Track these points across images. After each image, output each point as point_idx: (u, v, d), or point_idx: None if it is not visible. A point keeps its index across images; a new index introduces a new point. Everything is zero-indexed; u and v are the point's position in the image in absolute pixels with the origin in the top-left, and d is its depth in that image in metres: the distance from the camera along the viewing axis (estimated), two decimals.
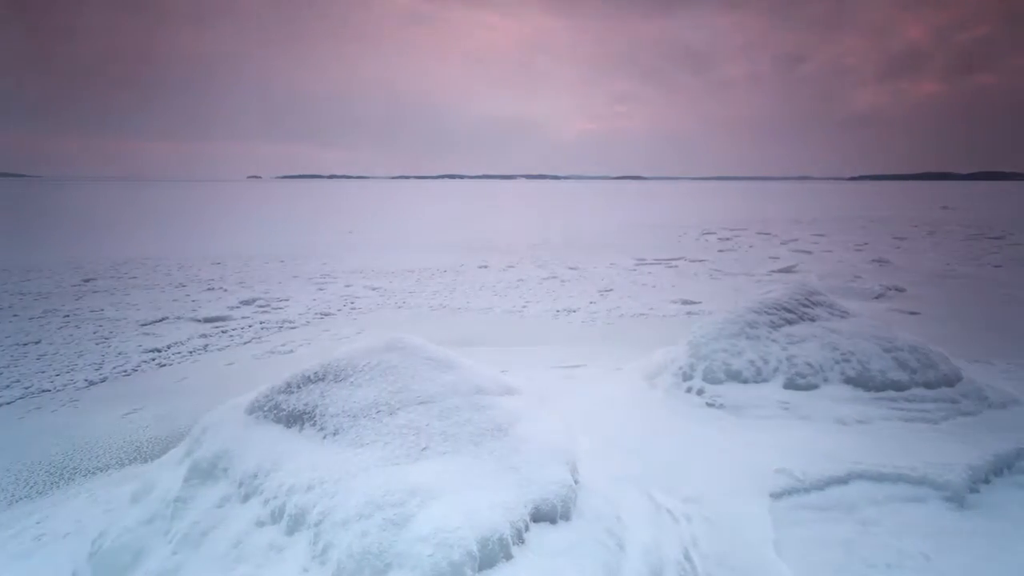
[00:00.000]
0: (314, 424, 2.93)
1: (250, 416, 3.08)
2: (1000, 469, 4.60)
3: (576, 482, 3.03)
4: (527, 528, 2.61)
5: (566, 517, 2.78)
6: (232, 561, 2.42)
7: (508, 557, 2.44)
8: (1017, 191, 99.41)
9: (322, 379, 3.17)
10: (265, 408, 3.09)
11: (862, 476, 4.45)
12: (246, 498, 2.67)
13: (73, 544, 3.17)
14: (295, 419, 2.99)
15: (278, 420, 3.02)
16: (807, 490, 4.33)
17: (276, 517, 2.52)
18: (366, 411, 2.94)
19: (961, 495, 4.26)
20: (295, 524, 2.45)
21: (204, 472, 2.85)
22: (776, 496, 4.24)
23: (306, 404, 3.03)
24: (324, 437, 2.86)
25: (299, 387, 3.15)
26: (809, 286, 7.11)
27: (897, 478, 4.41)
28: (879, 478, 4.43)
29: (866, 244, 22.06)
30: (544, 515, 2.71)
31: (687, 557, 3.19)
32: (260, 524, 2.55)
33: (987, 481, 4.48)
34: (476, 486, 2.65)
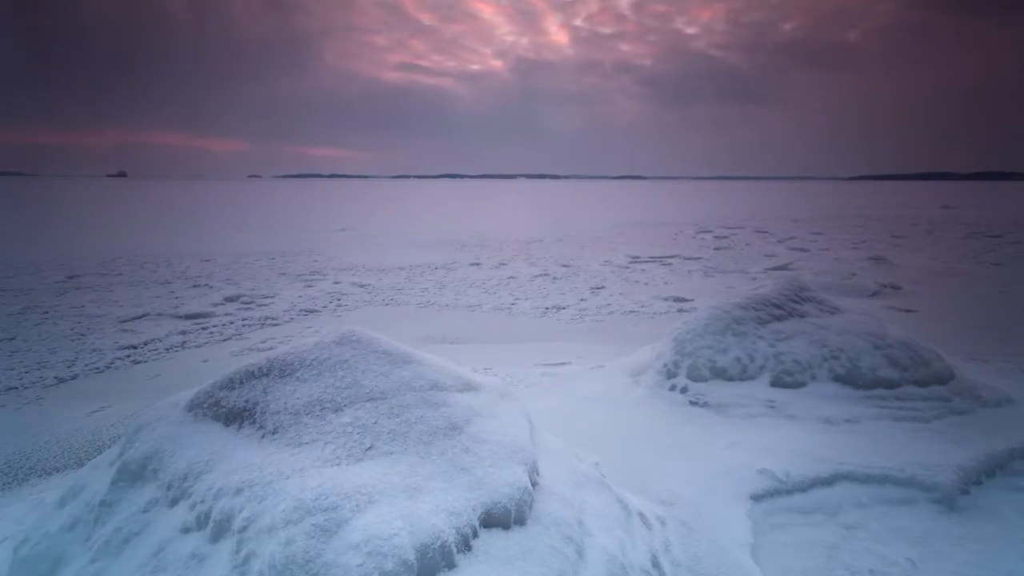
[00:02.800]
0: (253, 422, 2.74)
1: (188, 413, 2.89)
2: (992, 470, 4.40)
3: (535, 484, 2.84)
4: (475, 534, 2.42)
5: (521, 522, 2.59)
6: (150, 571, 2.23)
7: (451, 566, 2.25)
8: (1018, 191, 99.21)
9: (266, 374, 2.98)
10: (205, 405, 2.90)
11: (848, 477, 4.26)
12: (174, 502, 2.48)
13: (5, 551, 2.98)
14: (234, 417, 2.80)
15: (217, 418, 2.83)
16: (790, 492, 4.14)
17: (202, 523, 2.33)
18: (309, 408, 2.75)
19: (951, 497, 4.07)
20: (220, 531, 2.26)
21: (133, 474, 2.65)
22: (757, 498, 4.05)
23: (247, 401, 2.83)
24: (263, 436, 2.66)
25: (241, 383, 2.95)
26: (799, 282, 6.92)
27: (884, 479, 4.22)
28: (865, 480, 4.24)
29: (863, 242, 21.87)
30: (496, 520, 2.52)
31: (655, 564, 3.00)
32: (185, 530, 2.36)
33: (979, 483, 4.29)
34: (421, 489, 2.46)
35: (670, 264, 16.60)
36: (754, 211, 41.23)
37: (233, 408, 2.83)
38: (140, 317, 9.85)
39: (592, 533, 2.83)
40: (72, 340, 8.45)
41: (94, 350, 7.98)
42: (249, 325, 9.52)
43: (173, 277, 13.82)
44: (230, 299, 11.40)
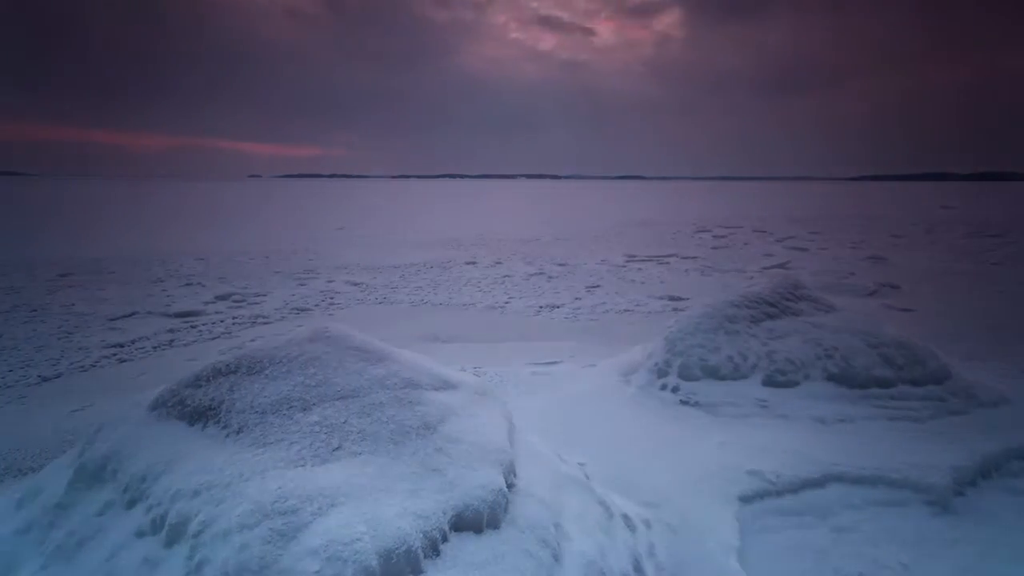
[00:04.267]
0: (218, 421, 2.64)
1: (152, 413, 2.79)
2: (988, 471, 4.30)
3: (511, 486, 2.74)
4: (445, 538, 2.32)
5: (494, 525, 2.48)
6: None
7: (417, 572, 2.15)
8: (1018, 191, 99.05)
9: (234, 372, 2.88)
10: (169, 404, 2.79)
11: (840, 479, 4.16)
12: (131, 505, 2.38)
13: None
14: (199, 416, 2.70)
15: (181, 417, 2.73)
16: (780, 493, 4.04)
17: (157, 527, 2.23)
18: (276, 407, 2.65)
19: (945, 499, 3.97)
20: (174, 535, 2.16)
21: (91, 475, 2.55)
22: (746, 500, 3.94)
23: (212, 399, 2.73)
24: (227, 436, 2.56)
25: (208, 380, 2.85)
26: (793, 279, 6.81)
27: (877, 481, 4.12)
28: (858, 481, 4.14)
29: (862, 242, 21.75)
30: (468, 523, 2.42)
31: (637, 568, 2.90)
32: (140, 535, 2.26)
33: (974, 484, 4.19)
34: (389, 491, 2.35)
35: (667, 263, 16.49)
36: (754, 211, 41.11)
37: (198, 407, 2.73)
38: (129, 315, 9.74)
39: (570, 536, 2.73)
40: (59, 338, 8.35)
41: (80, 348, 7.88)
42: (239, 324, 9.41)
43: (166, 276, 13.71)
44: (221, 297, 11.29)
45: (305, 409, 2.67)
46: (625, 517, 3.39)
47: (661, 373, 5.75)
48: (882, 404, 5.11)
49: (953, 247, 20.01)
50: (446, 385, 3.15)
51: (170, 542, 2.16)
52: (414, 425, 2.72)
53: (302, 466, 2.38)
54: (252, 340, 8.39)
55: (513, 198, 67.33)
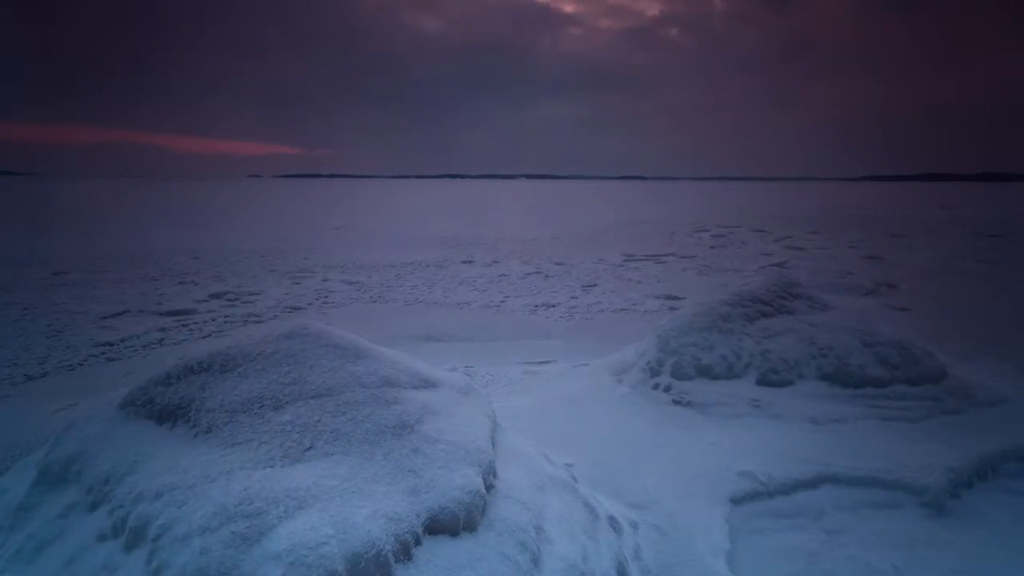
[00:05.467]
0: (187, 420, 2.56)
1: (121, 411, 2.71)
2: (984, 472, 4.22)
3: (491, 487, 2.66)
4: (418, 542, 2.24)
5: (471, 528, 2.41)
6: None
7: None
8: (1019, 192, 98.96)
9: (206, 369, 2.79)
10: (138, 403, 2.71)
11: (832, 480, 4.08)
12: (93, 507, 2.30)
13: None
14: (168, 415, 2.62)
15: (150, 416, 2.65)
16: (771, 495, 3.96)
17: (118, 530, 2.15)
18: (247, 405, 2.56)
19: (940, 501, 3.89)
20: (135, 539, 2.08)
21: (55, 476, 2.48)
22: (737, 501, 3.86)
23: (182, 398, 2.65)
24: (195, 435, 2.48)
25: (179, 378, 2.77)
26: (788, 278, 6.74)
27: (870, 482, 4.04)
28: (851, 482, 4.06)
29: (861, 241, 21.67)
30: (443, 526, 2.34)
31: (620, 572, 2.82)
32: (101, 538, 2.18)
33: (969, 486, 4.11)
34: (361, 492, 2.27)
35: (665, 262, 16.41)
36: (753, 211, 41.03)
37: (168, 405, 2.65)
38: (120, 314, 9.66)
39: (552, 540, 2.65)
40: (48, 337, 8.27)
41: (68, 347, 7.80)
42: (231, 322, 9.34)
43: (160, 274, 13.63)
44: (214, 296, 11.22)
45: (277, 408, 2.59)
46: (611, 519, 3.31)
47: (654, 372, 5.67)
48: (876, 404, 5.03)
49: (952, 247, 19.93)
50: (426, 383, 3.07)
51: (130, 546, 2.08)
52: (390, 424, 2.63)
53: (271, 467, 2.30)
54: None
55: (512, 198, 67.26)
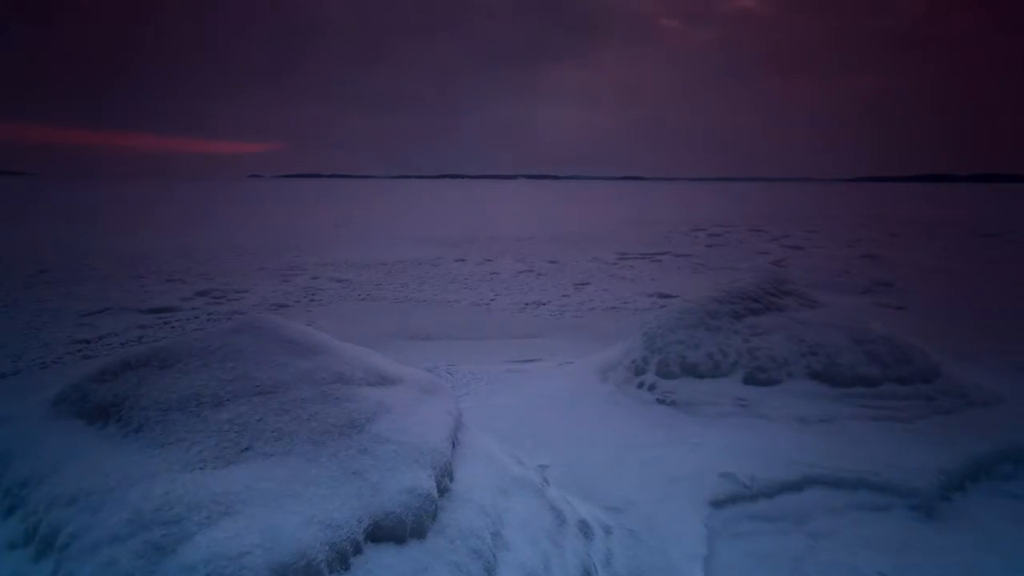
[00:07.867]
0: (119, 419, 2.39)
1: (53, 409, 2.54)
2: (977, 474, 4.06)
3: (445, 490, 2.49)
4: (358, 550, 2.07)
5: (419, 535, 2.24)
6: None
7: None
8: (1019, 192, 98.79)
9: (145, 365, 2.63)
10: (70, 400, 2.55)
11: (819, 482, 3.91)
12: (9, 512, 2.14)
13: None
14: (100, 413, 2.45)
15: (81, 414, 2.48)
16: (754, 498, 3.79)
17: (29, 538, 1.98)
18: (183, 403, 2.39)
19: (930, 503, 3.72)
20: (44, 547, 1.91)
21: None
22: (717, 504, 3.70)
23: (116, 395, 2.48)
24: (124, 435, 2.31)
25: (115, 375, 2.60)
26: (779, 274, 6.57)
27: (858, 484, 3.87)
28: (838, 484, 3.89)
29: (859, 240, 21.50)
30: (388, 533, 2.17)
31: None
32: (12, 546, 2.01)
33: (961, 488, 3.95)
34: (298, 497, 2.10)
35: (659, 261, 16.24)
36: (752, 211, 40.85)
37: (100, 403, 2.48)
38: (101, 311, 9.48)
39: (510, 546, 2.48)
40: (25, 334, 8.10)
41: (45, 345, 7.62)
42: (214, 320, 9.16)
43: (147, 272, 13.45)
44: (200, 293, 11.05)
45: (216, 405, 2.42)
46: (582, 523, 3.14)
47: (639, 371, 5.50)
48: (867, 403, 4.86)
49: (949, 246, 19.76)
50: (383, 380, 2.90)
51: (39, 556, 1.92)
52: (338, 423, 2.46)
53: (200, 469, 2.13)
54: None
55: (512, 198, 67.07)
